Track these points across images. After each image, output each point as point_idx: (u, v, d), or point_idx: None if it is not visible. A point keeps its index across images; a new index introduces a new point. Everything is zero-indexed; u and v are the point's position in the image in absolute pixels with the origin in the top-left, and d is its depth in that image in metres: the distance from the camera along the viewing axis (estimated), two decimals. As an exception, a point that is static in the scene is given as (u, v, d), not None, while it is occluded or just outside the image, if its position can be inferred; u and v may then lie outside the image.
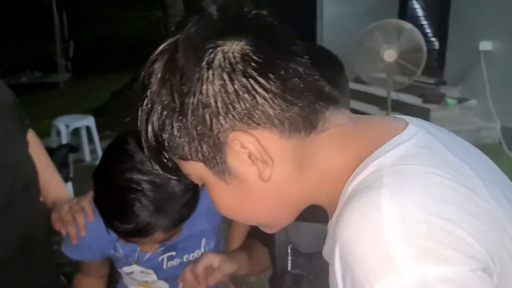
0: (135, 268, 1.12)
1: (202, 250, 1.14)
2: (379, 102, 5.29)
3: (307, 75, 0.54)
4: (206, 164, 0.54)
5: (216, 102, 0.50)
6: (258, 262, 1.17)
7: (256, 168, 0.53)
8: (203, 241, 1.15)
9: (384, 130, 0.56)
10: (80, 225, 1.02)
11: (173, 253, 1.12)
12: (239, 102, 0.50)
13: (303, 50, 0.56)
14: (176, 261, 1.13)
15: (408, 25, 3.93)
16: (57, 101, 6.48)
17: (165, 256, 1.11)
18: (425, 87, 5.52)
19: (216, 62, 0.50)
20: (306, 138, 0.54)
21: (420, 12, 6.35)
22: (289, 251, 1.07)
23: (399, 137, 0.54)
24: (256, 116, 0.51)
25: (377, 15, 6.30)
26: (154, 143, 0.55)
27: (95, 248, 1.08)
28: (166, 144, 0.54)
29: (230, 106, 0.50)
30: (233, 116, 0.51)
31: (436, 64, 5.77)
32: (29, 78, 8.41)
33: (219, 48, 0.50)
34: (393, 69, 3.91)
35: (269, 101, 0.51)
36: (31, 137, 1.20)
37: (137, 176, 0.85)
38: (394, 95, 4.74)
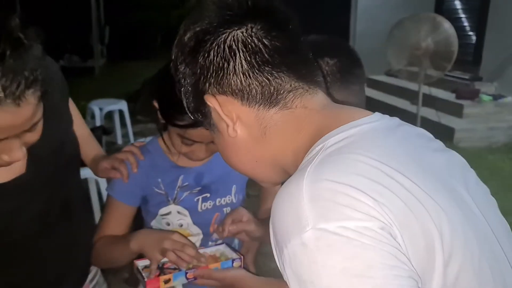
0: (172, 207, 1.18)
1: (233, 197, 1.22)
2: (410, 96, 5.21)
3: (284, 56, 0.63)
4: (203, 117, 0.70)
5: (200, 72, 0.65)
6: None
7: (226, 125, 0.66)
8: (234, 187, 1.23)
9: (343, 117, 0.63)
10: (132, 163, 1.14)
11: (207, 194, 1.19)
12: (213, 73, 0.64)
13: (299, 31, 0.67)
14: (210, 204, 1.20)
15: (441, 18, 3.85)
16: (92, 85, 6.68)
17: (200, 197, 1.19)
18: (459, 82, 5.40)
19: (209, 45, 0.63)
20: (267, 110, 0.64)
21: (457, 5, 6.19)
22: None
23: (351, 124, 0.61)
24: (222, 84, 0.64)
25: (412, 7, 6.19)
26: (185, 102, 0.71)
27: (140, 185, 1.16)
28: (187, 103, 0.70)
29: (207, 75, 0.64)
30: (209, 83, 0.65)
31: (471, 59, 5.63)
32: (67, 62, 8.65)
33: (222, 35, 0.63)
34: (424, 63, 3.85)
35: (232, 74, 0.63)
36: (70, 102, 1.21)
37: None
38: (426, 90, 4.66)
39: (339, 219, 0.49)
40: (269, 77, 0.63)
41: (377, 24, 6.03)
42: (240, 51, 0.62)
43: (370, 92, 6.38)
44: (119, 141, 4.74)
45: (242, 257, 1.12)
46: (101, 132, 2.83)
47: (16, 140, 0.80)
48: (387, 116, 0.67)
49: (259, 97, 0.63)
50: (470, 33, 5.90)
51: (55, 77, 1.06)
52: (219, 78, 0.64)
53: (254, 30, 0.62)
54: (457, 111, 5.02)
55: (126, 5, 9.47)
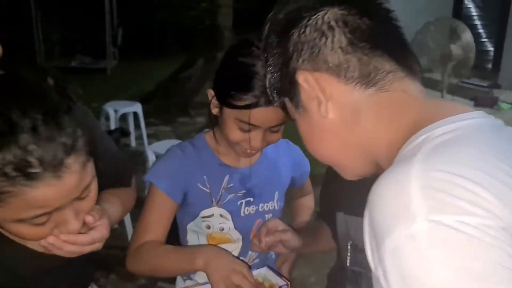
0: (215, 210, 1.13)
1: (275, 203, 1.19)
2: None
3: (383, 36, 0.61)
4: (289, 97, 0.67)
5: (293, 49, 0.63)
6: (323, 242, 1.20)
7: (317, 104, 0.63)
8: (276, 194, 1.20)
9: (446, 109, 0.59)
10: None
11: (251, 198, 1.16)
12: (308, 49, 0.62)
13: (398, 20, 0.65)
14: (252, 208, 1.16)
15: (461, 24, 3.79)
16: (103, 87, 6.67)
17: (243, 201, 1.15)
18: (478, 90, 5.33)
19: (304, 22, 0.63)
20: (364, 90, 0.61)
21: (476, 11, 6.11)
22: (349, 247, 1.07)
23: (457, 117, 0.56)
24: (318, 60, 0.62)
25: (430, 13, 6.12)
26: (268, 82, 0.70)
27: (183, 180, 1.09)
28: (272, 82, 0.69)
29: (301, 52, 0.63)
30: (303, 59, 0.63)
31: (490, 66, 5.56)
32: (79, 63, 8.66)
33: (319, 12, 0.62)
34: (445, 69, 3.79)
35: (330, 49, 0.61)
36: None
37: (254, 60, 0.98)
38: (447, 97, 4.59)
39: (457, 213, 0.44)
40: (368, 54, 0.60)
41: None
42: (340, 27, 0.61)
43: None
44: (133, 143, 4.70)
45: (288, 282, 1.07)
46: (120, 134, 2.79)
47: (68, 210, 0.71)
48: (491, 116, 0.62)
49: (357, 74, 0.60)
50: (489, 40, 5.83)
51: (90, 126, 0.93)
52: (315, 54, 0.62)
53: (353, 11, 0.61)
54: (475, 119, 4.93)
55: (140, 6, 9.46)
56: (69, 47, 9.08)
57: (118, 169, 1.04)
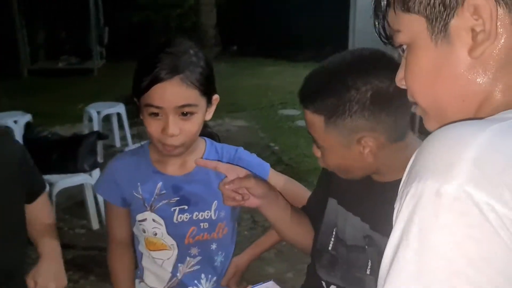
0: (148, 214, 1.19)
1: (212, 212, 1.21)
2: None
3: None
4: (429, 19, 0.55)
5: None
6: (298, 223, 1.19)
7: (471, 42, 0.53)
8: (215, 203, 1.21)
9: None
10: None
11: (185, 206, 1.19)
12: None
13: None
14: (186, 216, 1.19)
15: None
16: (91, 87, 6.68)
17: (177, 208, 1.18)
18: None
19: None
20: None
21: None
22: (334, 233, 1.11)
23: None
24: None
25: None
26: None
27: (121, 188, 1.20)
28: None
29: None
30: None
31: None
32: (66, 64, 8.64)
33: None
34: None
35: None
36: (41, 203, 1.31)
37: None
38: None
39: (491, 195, 0.43)
40: None
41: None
42: None
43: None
44: (117, 144, 4.72)
45: None
46: (96, 138, 2.82)
47: None
48: None
49: None
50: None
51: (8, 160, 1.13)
52: None
53: None
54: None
55: (125, 6, 9.44)
56: (55, 49, 9.04)
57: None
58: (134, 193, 1.19)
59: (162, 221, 1.19)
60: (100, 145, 3.95)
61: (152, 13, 9.36)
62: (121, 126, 4.70)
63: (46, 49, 9.16)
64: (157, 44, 1.13)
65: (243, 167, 1.19)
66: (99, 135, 2.86)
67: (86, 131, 4.12)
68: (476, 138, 0.46)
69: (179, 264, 1.23)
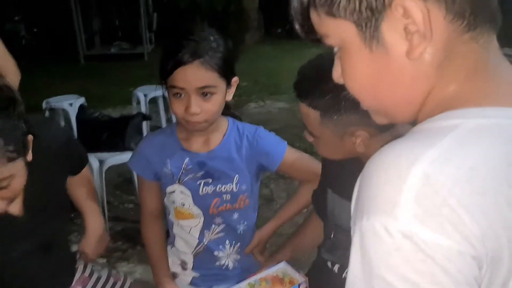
0: (176, 187, 1.33)
1: (234, 185, 1.34)
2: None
3: None
4: (358, 25, 0.52)
5: None
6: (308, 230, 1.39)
7: (406, 43, 0.50)
8: (236, 177, 1.34)
9: (504, 92, 0.52)
10: None
11: (209, 180, 1.33)
12: None
13: None
14: (210, 189, 1.33)
15: None
16: (140, 71, 6.96)
17: (202, 181, 1.32)
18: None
19: None
20: (461, 34, 0.50)
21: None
22: (334, 221, 1.21)
23: (502, 110, 0.50)
24: None
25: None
26: None
27: (152, 164, 1.33)
28: None
29: None
30: None
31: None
32: (118, 49, 9.04)
33: None
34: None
35: None
36: (83, 173, 1.46)
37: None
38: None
39: (436, 231, 0.45)
40: None
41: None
42: None
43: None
44: (163, 124, 4.96)
45: (306, 278, 1.24)
46: (141, 119, 3.05)
47: None
48: None
49: (468, 12, 0.49)
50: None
51: (53, 150, 1.25)
52: None
53: None
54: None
55: (173, -9, 9.67)
56: (108, 35, 9.48)
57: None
58: (164, 168, 1.32)
59: (189, 193, 1.34)
60: (147, 125, 4.21)
61: (198, -2, 9.52)
62: (167, 108, 4.93)
63: (101, 36, 9.62)
64: (180, 32, 1.28)
65: (261, 145, 1.35)
66: (144, 116, 3.08)
67: (134, 113, 4.39)
68: (413, 170, 0.46)
69: (205, 231, 1.38)
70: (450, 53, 0.51)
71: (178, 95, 1.19)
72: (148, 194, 1.40)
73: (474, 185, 0.46)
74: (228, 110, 1.40)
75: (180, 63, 1.16)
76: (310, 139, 1.11)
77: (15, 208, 1.14)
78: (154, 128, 4.77)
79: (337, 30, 0.54)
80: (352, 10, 0.51)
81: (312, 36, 0.58)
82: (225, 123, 1.36)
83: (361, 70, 0.55)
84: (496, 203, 0.46)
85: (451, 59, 0.51)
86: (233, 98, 1.28)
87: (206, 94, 1.18)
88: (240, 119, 1.46)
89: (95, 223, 1.45)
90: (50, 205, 1.27)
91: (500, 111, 0.50)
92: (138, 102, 4.69)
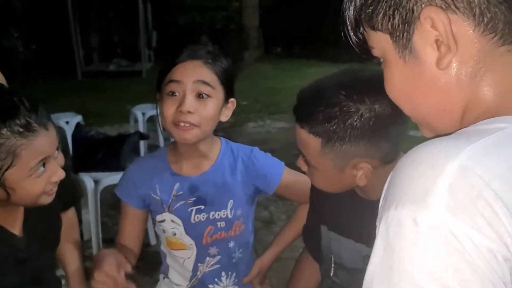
0: (166, 215, 1.24)
1: (228, 211, 1.25)
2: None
3: None
4: (392, 36, 0.55)
5: None
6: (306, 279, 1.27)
7: (437, 54, 0.52)
8: (230, 202, 1.24)
9: None
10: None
11: (202, 206, 1.23)
12: None
13: None
14: (203, 216, 1.23)
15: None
16: (139, 88, 6.96)
17: (194, 208, 1.23)
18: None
19: None
20: (496, 47, 0.51)
21: None
22: (332, 259, 1.11)
23: None
24: None
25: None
26: (354, 10, 0.58)
27: (140, 190, 1.24)
28: (364, 11, 0.56)
29: None
30: None
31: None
32: (116, 66, 9.03)
33: None
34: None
35: None
36: (71, 218, 1.37)
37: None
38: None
39: (468, 225, 0.43)
40: None
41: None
42: None
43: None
44: (161, 143, 4.89)
45: None
46: (138, 138, 2.98)
47: (54, 162, 1.03)
48: None
49: (500, 26, 0.50)
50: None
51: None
52: None
53: None
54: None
55: (172, 9, 9.74)
56: (107, 52, 9.49)
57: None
58: (152, 195, 1.23)
59: (180, 222, 1.24)
60: (144, 144, 4.15)
61: (198, 15, 9.60)
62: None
63: (99, 52, 9.63)
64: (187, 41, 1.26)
65: (258, 167, 1.26)
66: (141, 135, 3.01)
67: (131, 131, 4.33)
68: (450, 163, 0.45)
69: (199, 264, 1.28)
70: (487, 65, 0.52)
71: (173, 94, 1.11)
72: (129, 224, 1.28)
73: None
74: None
75: (180, 60, 1.11)
76: (305, 168, 1.02)
77: (16, 228, 1.10)
78: (152, 147, 4.70)
79: (379, 42, 0.58)
80: (387, 23, 0.55)
81: (366, 50, 0.61)
82: (218, 144, 1.27)
83: (398, 79, 0.58)
84: None
85: (489, 70, 0.52)
86: (232, 116, 1.21)
87: (203, 96, 1.11)
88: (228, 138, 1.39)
89: (74, 267, 1.35)
90: (46, 234, 1.19)
91: None
92: (136, 120, 4.64)
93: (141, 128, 4.46)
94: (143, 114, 4.59)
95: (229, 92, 1.19)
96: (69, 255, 1.34)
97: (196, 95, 1.11)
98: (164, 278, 1.38)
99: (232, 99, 1.21)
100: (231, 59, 1.20)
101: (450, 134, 0.53)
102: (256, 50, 8.19)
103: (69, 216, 1.33)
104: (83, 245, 3.27)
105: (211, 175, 1.24)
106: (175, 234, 1.26)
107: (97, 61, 9.55)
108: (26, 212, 1.11)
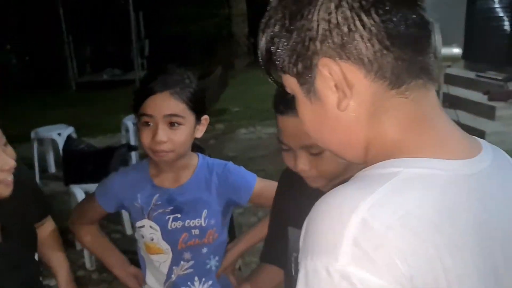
0: (146, 222, 1.34)
1: (202, 220, 1.34)
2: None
3: (416, 30, 0.56)
4: (298, 80, 0.60)
5: (318, 27, 0.55)
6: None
7: (336, 96, 0.57)
8: (204, 212, 1.34)
9: (443, 144, 0.58)
10: None
11: (178, 215, 1.33)
12: (337, 33, 0.55)
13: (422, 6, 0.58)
14: (179, 223, 1.33)
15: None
16: (132, 98, 7.05)
17: (171, 216, 1.33)
18: (492, 83, 5.26)
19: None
20: (387, 91, 0.56)
21: (491, 4, 6.01)
22: (293, 259, 1.15)
23: (439, 162, 0.56)
24: (349, 49, 0.55)
25: (445, 7, 6.07)
26: (264, 52, 0.62)
27: (122, 199, 1.34)
28: (273, 55, 0.61)
29: (328, 34, 0.55)
30: (329, 44, 0.55)
31: (505, 59, 5.47)
32: (110, 76, 9.11)
33: None
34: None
35: (365, 39, 0.54)
36: (49, 225, 1.47)
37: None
38: (458, 91, 4.57)
39: (370, 272, 0.49)
40: (404, 51, 0.55)
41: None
42: (379, 14, 0.54)
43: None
44: (152, 153, 4.97)
45: None
46: (126, 150, 3.06)
47: (2, 152, 1.09)
48: (497, 156, 0.63)
49: (388, 73, 0.56)
50: (504, 32, 5.73)
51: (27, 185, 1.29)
52: (347, 41, 0.55)
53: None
54: (489, 113, 4.90)
55: (164, 18, 9.83)
56: (99, 61, 9.58)
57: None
58: (134, 203, 1.33)
59: (158, 228, 1.34)
60: (135, 155, 4.22)
61: (189, 24, 9.68)
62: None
63: (92, 63, 9.71)
64: (155, 69, 1.33)
65: (231, 180, 1.36)
66: (129, 147, 3.09)
67: (124, 142, 4.40)
68: (353, 216, 0.51)
69: (174, 267, 1.37)
70: (381, 107, 0.57)
71: (147, 124, 1.22)
72: (91, 214, 1.43)
73: (407, 229, 0.51)
74: (195, 147, 1.41)
75: (150, 92, 1.20)
76: (309, 167, 0.97)
77: None
78: (143, 156, 4.76)
79: (288, 83, 0.63)
80: (292, 68, 0.60)
81: (281, 85, 0.65)
82: (195, 159, 1.37)
83: (307, 117, 0.63)
84: (425, 246, 0.51)
85: (384, 112, 0.58)
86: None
87: (174, 124, 1.21)
88: (209, 155, 1.46)
89: (64, 273, 1.45)
90: (25, 239, 1.27)
91: (434, 162, 0.56)
92: (127, 130, 4.70)
93: (132, 138, 4.52)
94: (134, 124, 4.66)
95: (200, 113, 1.28)
96: (58, 263, 1.44)
97: (168, 125, 1.22)
98: (144, 285, 1.46)
99: (204, 117, 1.30)
100: (222, 67, 1.30)
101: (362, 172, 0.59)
102: (246, 57, 8.29)
103: (48, 226, 1.44)
104: (76, 255, 3.39)
105: (188, 188, 1.34)
106: (152, 239, 1.36)
107: (90, 71, 9.64)
108: (2, 217, 1.16)
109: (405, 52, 0.55)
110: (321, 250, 0.51)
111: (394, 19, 0.54)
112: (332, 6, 0.55)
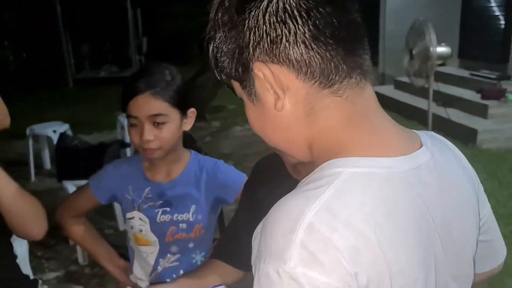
0: (136, 213, 1.38)
1: (190, 215, 1.38)
2: (435, 98, 5.14)
3: (345, 32, 0.59)
4: (241, 84, 0.64)
5: (249, 35, 0.59)
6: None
7: (273, 98, 0.61)
8: (193, 207, 1.38)
9: (380, 142, 0.62)
10: None
11: (167, 208, 1.37)
12: (266, 39, 0.58)
13: (358, 10, 0.61)
14: (167, 217, 1.38)
15: (424, 25, 3.88)
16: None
17: (160, 210, 1.37)
18: (486, 82, 5.29)
19: (261, 5, 0.59)
20: (320, 90, 0.60)
21: (485, 2, 6.03)
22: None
23: (375, 160, 0.59)
24: (278, 53, 0.58)
25: (440, 7, 6.10)
26: (213, 60, 0.66)
27: (114, 190, 1.39)
28: (218, 62, 0.64)
29: (259, 40, 0.59)
30: (260, 49, 0.59)
31: (499, 57, 5.50)
32: (107, 73, 9.13)
33: None
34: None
35: (291, 43, 0.58)
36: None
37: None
38: (451, 89, 4.60)
39: (317, 271, 0.53)
40: (331, 52, 0.58)
41: (405, 24, 6.00)
42: (303, 17, 0.57)
43: (397, 94, 6.35)
44: (147, 149, 5.00)
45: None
46: (118, 146, 3.09)
47: None
48: (438, 147, 0.67)
49: (317, 73, 0.59)
50: (498, 30, 5.75)
51: None
52: (275, 46, 0.59)
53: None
54: (482, 111, 4.93)
55: (162, 16, 9.85)
56: (98, 59, 9.60)
57: None
58: (126, 195, 1.38)
59: (147, 220, 1.38)
60: (130, 151, 4.25)
61: (186, 21, 9.70)
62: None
63: (90, 59, 9.74)
64: (139, 69, 1.37)
65: (220, 178, 1.40)
66: (122, 144, 3.13)
67: (118, 138, 4.43)
68: (300, 222, 0.54)
69: (160, 259, 1.41)
70: (316, 105, 0.61)
71: (134, 125, 1.27)
72: (83, 204, 1.46)
73: (350, 229, 0.54)
74: (193, 143, 1.45)
75: (133, 94, 1.25)
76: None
77: None
78: (137, 152, 4.80)
79: (235, 87, 0.67)
80: (234, 73, 0.64)
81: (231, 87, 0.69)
82: (188, 155, 1.42)
83: (252, 117, 0.67)
84: (368, 244, 0.55)
85: (319, 110, 0.61)
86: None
87: (158, 123, 1.26)
88: (205, 153, 1.51)
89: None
90: None
91: (372, 161, 0.59)
92: (123, 127, 4.73)
93: (127, 134, 4.55)
94: (129, 121, 4.69)
95: (185, 108, 1.32)
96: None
97: (153, 124, 1.26)
98: (131, 274, 1.49)
99: (191, 110, 1.34)
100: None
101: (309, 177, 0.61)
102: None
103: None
104: (69, 250, 3.42)
105: (178, 183, 1.39)
106: (141, 231, 1.40)
107: (88, 68, 9.66)
108: None
109: (332, 54, 0.58)
110: (272, 254, 0.55)
111: (321, 22, 0.57)
112: (260, 14, 0.58)
